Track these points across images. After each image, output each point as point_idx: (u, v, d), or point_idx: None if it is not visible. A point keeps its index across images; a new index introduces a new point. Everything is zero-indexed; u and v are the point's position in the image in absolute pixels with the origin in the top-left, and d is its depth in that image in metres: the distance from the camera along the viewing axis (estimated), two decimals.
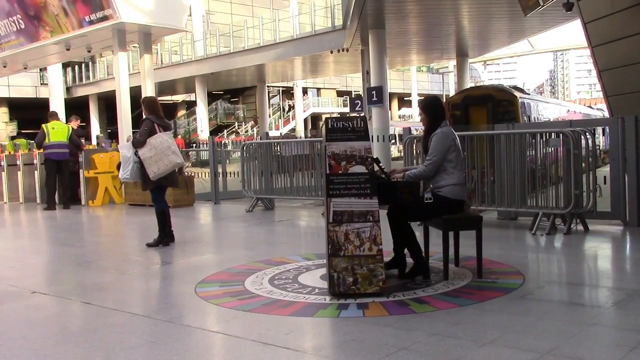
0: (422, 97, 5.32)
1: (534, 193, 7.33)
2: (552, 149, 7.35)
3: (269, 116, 44.76)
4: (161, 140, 6.69)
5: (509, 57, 66.83)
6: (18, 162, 13.51)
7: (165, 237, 6.97)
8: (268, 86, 43.86)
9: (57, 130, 11.80)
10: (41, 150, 11.92)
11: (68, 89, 41.00)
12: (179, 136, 38.60)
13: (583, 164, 6.95)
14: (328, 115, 35.43)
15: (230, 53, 31.03)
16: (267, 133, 12.25)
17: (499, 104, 14.18)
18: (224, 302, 4.38)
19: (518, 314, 3.86)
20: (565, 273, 5.43)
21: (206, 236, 8.50)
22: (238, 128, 48.52)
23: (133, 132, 14.01)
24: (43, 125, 11.90)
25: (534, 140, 7.40)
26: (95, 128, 40.25)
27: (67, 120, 12.92)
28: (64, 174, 11.91)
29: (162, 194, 7.05)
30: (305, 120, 50.04)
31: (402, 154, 9.85)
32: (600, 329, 3.61)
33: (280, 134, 40.03)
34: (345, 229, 4.30)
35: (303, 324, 3.92)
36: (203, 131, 36.25)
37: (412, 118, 55.21)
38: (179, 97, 48.64)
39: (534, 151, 7.36)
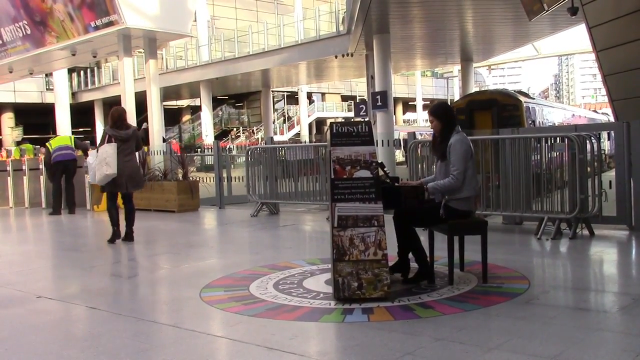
0: (430, 103, 5.21)
1: (539, 198, 7.32)
2: (557, 153, 7.34)
3: (273, 121, 44.81)
4: (102, 152, 7.44)
5: (514, 62, 66.73)
6: (24, 167, 13.57)
7: (117, 233, 7.74)
8: (273, 91, 43.92)
9: (60, 137, 12.00)
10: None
11: (73, 94, 41.15)
12: (174, 140, 38.54)
13: (588, 169, 6.93)
14: (333, 120, 35.45)
15: (235, 58, 31.08)
16: (271, 138, 12.26)
17: (504, 108, 14.18)
18: (229, 307, 4.38)
19: (523, 319, 3.84)
20: (570, 278, 5.42)
21: (211, 241, 8.50)
22: (242, 132, 48.62)
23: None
24: (47, 143, 12.16)
25: (538, 145, 7.39)
26: (100, 133, 40.31)
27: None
28: (70, 175, 11.95)
29: (112, 195, 7.81)
30: (310, 125, 50.07)
31: (405, 158, 9.83)
32: (606, 334, 3.60)
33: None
34: (350, 234, 4.30)
35: (308, 328, 3.92)
36: (208, 136, 36.28)
37: (416, 123, 55.20)
38: (184, 102, 48.77)
39: (539, 156, 7.35)
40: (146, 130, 12.18)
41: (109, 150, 7.40)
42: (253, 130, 47.60)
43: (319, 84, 47.32)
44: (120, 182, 7.52)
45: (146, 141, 12.64)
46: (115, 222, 7.69)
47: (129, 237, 7.77)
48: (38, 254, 7.76)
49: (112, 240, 7.68)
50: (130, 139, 7.63)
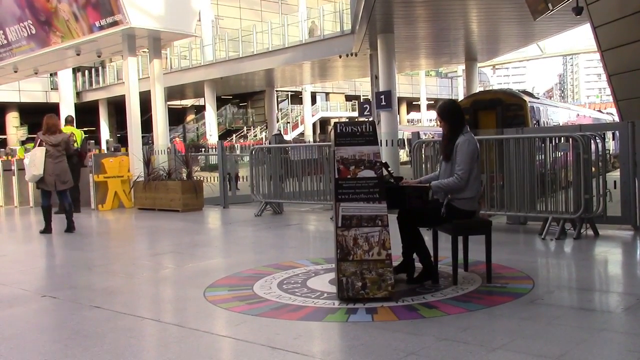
0: (440, 103, 5.07)
1: (543, 198, 7.31)
2: (562, 153, 7.32)
3: (277, 121, 44.81)
4: (32, 154, 8.64)
5: (518, 62, 66.54)
6: None
7: (47, 227, 8.79)
8: (277, 90, 43.93)
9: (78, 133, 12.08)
10: None
11: (78, 94, 41.21)
12: (178, 139, 38.47)
13: (593, 169, 6.91)
14: (337, 120, 35.44)
15: (239, 58, 31.09)
16: (275, 137, 12.26)
17: (508, 108, 14.16)
18: (233, 306, 4.39)
19: (527, 319, 3.84)
20: (575, 278, 5.41)
21: (215, 240, 8.51)
22: (247, 132, 48.63)
23: (142, 137, 14.09)
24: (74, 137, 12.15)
25: (543, 145, 7.38)
26: (104, 133, 40.47)
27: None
28: (75, 175, 11.96)
29: (43, 192, 8.85)
30: (314, 125, 50.06)
31: (409, 158, 9.83)
32: (610, 335, 3.59)
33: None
34: (354, 234, 4.30)
35: (312, 328, 3.92)
36: (212, 135, 36.32)
37: (420, 122, 55.13)
38: (188, 102, 48.82)
39: (543, 155, 7.34)
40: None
41: (37, 154, 8.55)
42: (246, 134, 47.55)
43: (323, 83, 47.31)
44: (49, 181, 8.62)
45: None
46: (46, 217, 8.77)
47: (70, 228, 8.81)
48: (42, 253, 7.79)
49: (43, 231, 8.77)
50: (60, 144, 8.73)
